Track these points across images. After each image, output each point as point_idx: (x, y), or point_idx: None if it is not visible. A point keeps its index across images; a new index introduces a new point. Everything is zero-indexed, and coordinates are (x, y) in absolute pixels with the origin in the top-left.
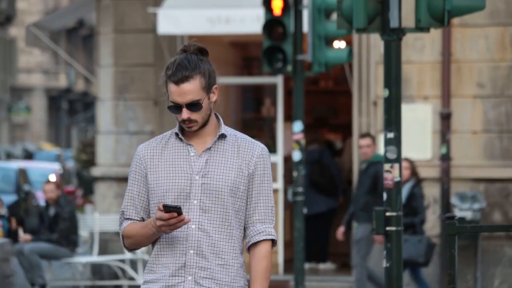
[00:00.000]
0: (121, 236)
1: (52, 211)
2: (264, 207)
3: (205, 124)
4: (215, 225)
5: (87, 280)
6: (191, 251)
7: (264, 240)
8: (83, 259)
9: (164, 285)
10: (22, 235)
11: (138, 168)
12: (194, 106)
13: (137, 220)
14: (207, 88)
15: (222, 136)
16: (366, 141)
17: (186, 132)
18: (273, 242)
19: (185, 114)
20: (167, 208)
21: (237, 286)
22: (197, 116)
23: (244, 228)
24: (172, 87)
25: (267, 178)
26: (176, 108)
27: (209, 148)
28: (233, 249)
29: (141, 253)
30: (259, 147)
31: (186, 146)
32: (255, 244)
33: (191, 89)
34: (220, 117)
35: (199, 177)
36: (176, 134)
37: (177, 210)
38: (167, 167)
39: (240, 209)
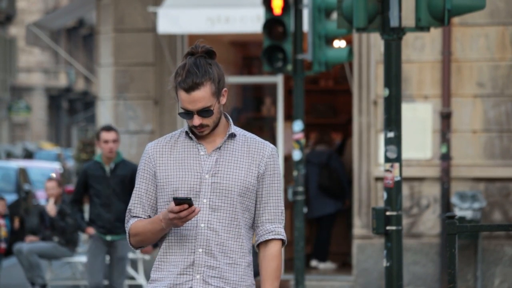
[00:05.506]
0: (127, 234)
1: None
2: (273, 207)
3: (215, 126)
4: (224, 224)
5: (87, 279)
6: (200, 250)
7: (273, 239)
8: (83, 258)
9: (171, 283)
10: (51, 204)
11: (147, 167)
12: (205, 112)
13: (144, 218)
14: (217, 93)
15: (232, 136)
16: (112, 135)
17: None
18: (283, 242)
19: (197, 120)
20: (177, 201)
21: (245, 285)
22: (208, 121)
23: (254, 227)
24: (182, 94)
25: (277, 178)
26: (187, 114)
27: (219, 148)
28: (241, 248)
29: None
30: (269, 147)
31: (196, 145)
32: (265, 243)
33: (201, 96)
34: (229, 117)
35: (209, 176)
36: (186, 133)
37: (188, 201)
38: (177, 166)
39: (248, 208)
